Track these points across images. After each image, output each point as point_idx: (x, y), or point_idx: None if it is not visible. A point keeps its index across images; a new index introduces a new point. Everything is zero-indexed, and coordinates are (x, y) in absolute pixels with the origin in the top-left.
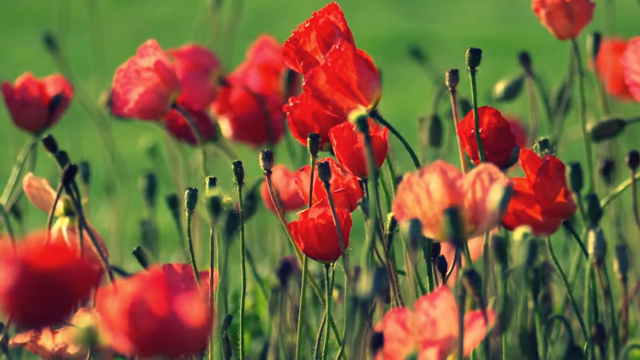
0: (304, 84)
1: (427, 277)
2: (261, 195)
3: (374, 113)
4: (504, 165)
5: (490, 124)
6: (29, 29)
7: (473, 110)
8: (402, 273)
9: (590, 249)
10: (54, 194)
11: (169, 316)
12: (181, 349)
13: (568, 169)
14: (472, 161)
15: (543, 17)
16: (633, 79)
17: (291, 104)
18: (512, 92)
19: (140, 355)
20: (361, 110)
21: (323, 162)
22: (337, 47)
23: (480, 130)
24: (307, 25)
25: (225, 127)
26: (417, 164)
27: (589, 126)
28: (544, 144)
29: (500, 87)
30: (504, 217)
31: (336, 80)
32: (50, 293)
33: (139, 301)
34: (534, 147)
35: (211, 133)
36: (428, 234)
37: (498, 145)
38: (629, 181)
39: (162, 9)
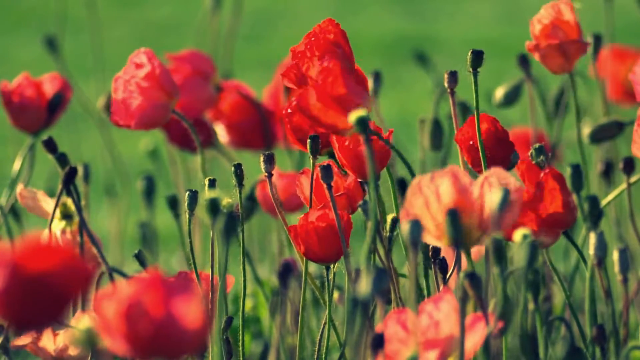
0: (294, 104)
1: (426, 279)
2: (258, 198)
3: None
4: None
5: (488, 132)
6: (30, 30)
7: (472, 116)
8: (403, 275)
9: (591, 250)
10: (49, 201)
11: (166, 318)
12: (178, 351)
13: (568, 170)
14: (469, 167)
15: (537, 57)
16: None
17: (289, 110)
18: (511, 97)
19: (138, 358)
20: (361, 111)
21: (325, 164)
22: (325, 64)
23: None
24: (307, 46)
25: (221, 133)
26: (412, 173)
27: (587, 129)
28: (540, 150)
29: (499, 93)
30: (503, 227)
31: (327, 98)
32: (41, 295)
33: (136, 303)
34: (530, 153)
35: (210, 139)
36: (434, 239)
37: (496, 153)
38: (623, 186)
39: (162, 10)
